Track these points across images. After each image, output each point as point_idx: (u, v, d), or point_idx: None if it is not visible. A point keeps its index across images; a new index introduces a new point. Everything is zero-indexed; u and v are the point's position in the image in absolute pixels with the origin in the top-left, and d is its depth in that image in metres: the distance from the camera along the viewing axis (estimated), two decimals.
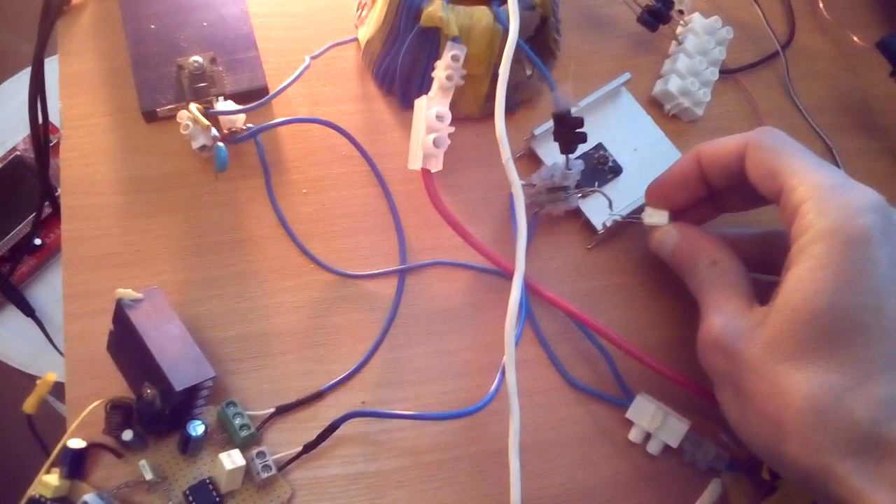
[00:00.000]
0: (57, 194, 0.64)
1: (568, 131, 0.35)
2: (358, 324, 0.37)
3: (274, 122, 0.38)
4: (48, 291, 0.66)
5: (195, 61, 0.38)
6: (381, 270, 0.38)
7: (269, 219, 0.38)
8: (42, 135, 0.45)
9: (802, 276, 0.29)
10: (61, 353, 0.62)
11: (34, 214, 0.64)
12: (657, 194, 0.36)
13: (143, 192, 0.38)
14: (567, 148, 0.36)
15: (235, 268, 0.37)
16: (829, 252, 0.28)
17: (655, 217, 0.36)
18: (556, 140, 0.36)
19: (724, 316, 0.31)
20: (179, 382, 0.31)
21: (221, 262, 0.37)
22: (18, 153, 0.68)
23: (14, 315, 0.65)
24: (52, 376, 0.32)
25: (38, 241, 0.66)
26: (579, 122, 0.35)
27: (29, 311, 0.64)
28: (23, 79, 0.72)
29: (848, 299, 0.28)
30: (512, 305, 0.32)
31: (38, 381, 0.32)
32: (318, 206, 0.38)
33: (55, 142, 0.68)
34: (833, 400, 0.27)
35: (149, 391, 0.32)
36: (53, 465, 0.32)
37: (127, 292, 0.32)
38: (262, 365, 0.35)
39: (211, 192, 0.38)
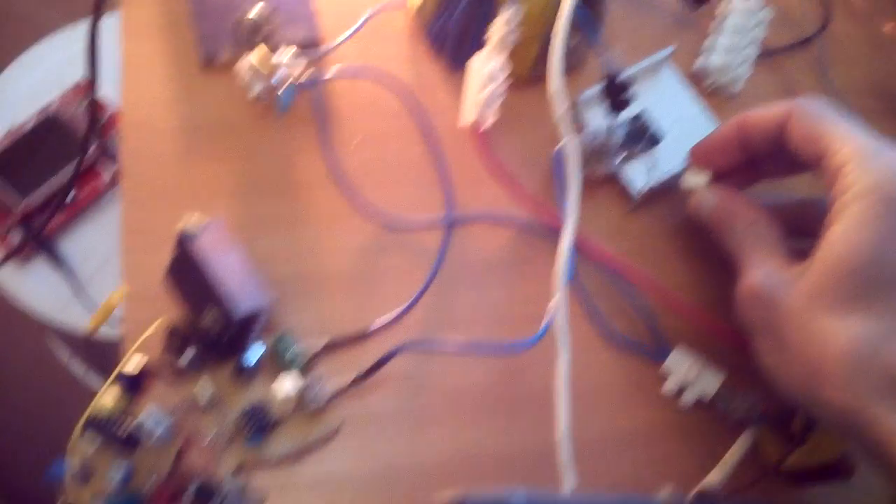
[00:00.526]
0: (90, 152, 0.66)
1: (615, 94, 0.37)
2: (404, 271, 0.38)
3: (332, 72, 0.39)
4: (76, 246, 0.67)
5: (255, 12, 0.39)
6: (427, 221, 0.39)
7: (321, 167, 0.39)
8: (93, 88, 0.46)
9: (845, 231, 0.30)
10: (87, 305, 0.64)
11: (72, 167, 0.66)
12: (699, 157, 0.37)
13: (199, 137, 0.39)
14: (613, 110, 0.37)
15: (287, 212, 0.38)
16: (871, 208, 0.30)
17: (695, 179, 0.37)
18: (603, 102, 0.37)
19: (764, 270, 0.33)
20: (239, 308, 0.32)
21: (274, 206, 0.38)
22: (52, 111, 0.69)
23: (41, 267, 0.66)
24: (117, 296, 0.33)
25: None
26: (626, 85, 0.37)
27: (59, 262, 0.65)
28: (52, 43, 0.73)
29: (889, 253, 0.29)
30: (565, 239, 0.34)
31: (103, 302, 0.33)
32: (368, 158, 0.40)
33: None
34: (871, 347, 0.29)
35: (209, 316, 0.33)
36: (111, 386, 0.33)
37: (192, 221, 0.33)
38: (312, 304, 0.37)
39: (265, 140, 0.39)
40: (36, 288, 0.66)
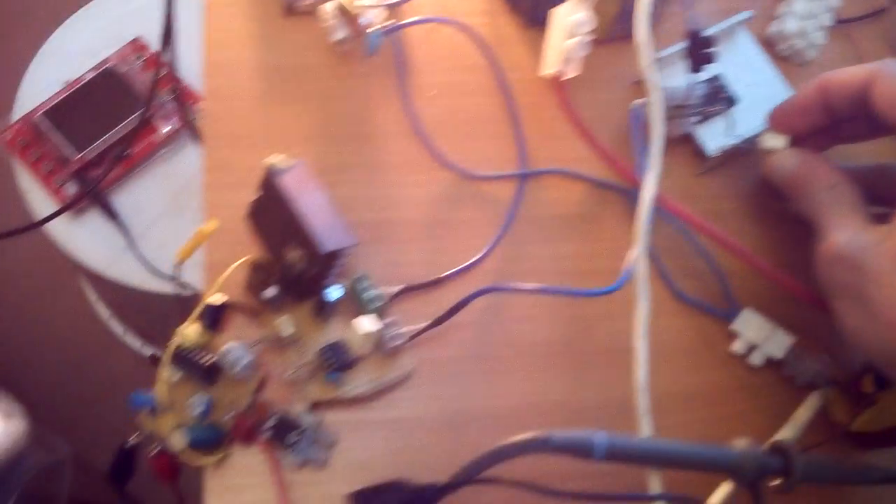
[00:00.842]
0: (151, 105, 0.66)
1: (698, 50, 0.37)
2: (477, 221, 0.38)
3: (413, 19, 0.39)
4: (129, 201, 0.68)
5: None
6: (501, 174, 0.39)
7: (398, 116, 0.39)
8: (167, 36, 0.46)
9: None
10: (140, 259, 0.64)
11: (127, 122, 0.67)
12: (779, 118, 0.37)
13: (280, 80, 0.39)
14: (696, 67, 0.37)
15: (364, 158, 0.38)
16: None
17: (774, 141, 0.37)
18: (684, 59, 0.37)
19: (847, 232, 0.33)
20: (325, 245, 0.33)
21: (351, 152, 0.38)
22: (109, 66, 0.70)
23: (94, 220, 0.67)
24: (211, 226, 0.34)
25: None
26: (710, 41, 0.37)
27: (112, 216, 0.65)
28: None
29: None
30: (648, 188, 0.34)
31: (197, 230, 0.34)
32: (444, 109, 0.40)
33: (147, 58, 0.70)
34: None
35: (293, 253, 0.33)
36: (193, 320, 0.34)
37: (278, 159, 0.34)
38: (385, 251, 0.37)
39: (344, 86, 0.40)
40: (88, 241, 0.67)
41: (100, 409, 0.96)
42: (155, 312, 0.75)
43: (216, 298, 0.34)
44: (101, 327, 0.92)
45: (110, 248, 0.66)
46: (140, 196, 0.68)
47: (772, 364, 0.37)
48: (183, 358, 0.33)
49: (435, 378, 0.35)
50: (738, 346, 0.37)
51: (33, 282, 1.01)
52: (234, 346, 0.33)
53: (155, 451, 0.34)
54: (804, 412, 0.35)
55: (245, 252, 0.35)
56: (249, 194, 0.35)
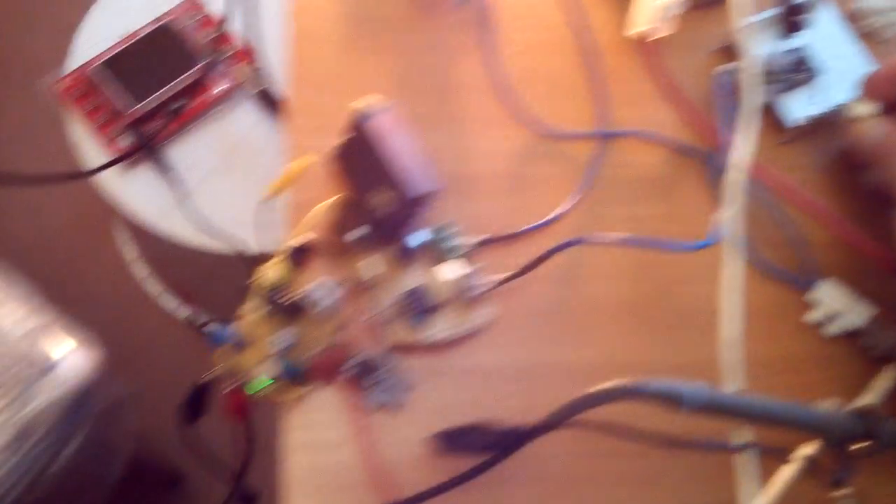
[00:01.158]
0: (203, 63, 0.66)
1: (791, 17, 0.36)
2: (555, 179, 0.38)
3: None
4: (181, 156, 0.68)
5: None
6: (582, 133, 0.39)
7: (480, 71, 0.39)
8: None
9: None
10: (189, 215, 0.65)
11: (182, 78, 0.67)
12: (873, 85, 0.37)
13: (366, 28, 0.39)
14: (788, 33, 0.37)
15: (446, 110, 0.38)
16: None
17: (862, 109, 0.37)
18: (775, 25, 0.37)
19: None
20: (413, 189, 0.33)
21: (434, 104, 0.38)
22: (166, 22, 0.70)
23: (145, 173, 0.67)
24: (305, 161, 0.34)
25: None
26: (805, 6, 0.36)
27: (165, 170, 0.66)
28: None
29: None
30: (741, 146, 0.34)
31: (289, 166, 0.34)
32: (526, 67, 0.40)
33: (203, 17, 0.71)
34: None
35: (379, 196, 0.33)
36: (277, 258, 0.34)
37: (369, 101, 0.34)
38: (465, 203, 0.37)
39: (428, 39, 0.40)
40: (138, 194, 0.67)
41: (129, 372, 0.97)
42: (199, 271, 0.75)
43: (301, 238, 0.34)
44: (136, 287, 0.92)
45: (160, 202, 0.66)
46: (192, 153, 0.68)
47: (847, 336, 0.37)
48: (265, 295, 0.33)
49: (513, 329, 0.35)
50: (814, 316, 0.37)
51: (71, 236, 1.01)
52: (318, 286, 0.33)
53: (230, 388, 0.34)
54: (884, 381, 0.35)
55: (330, 194, 0.35)
56: (334, 138, 0.35)
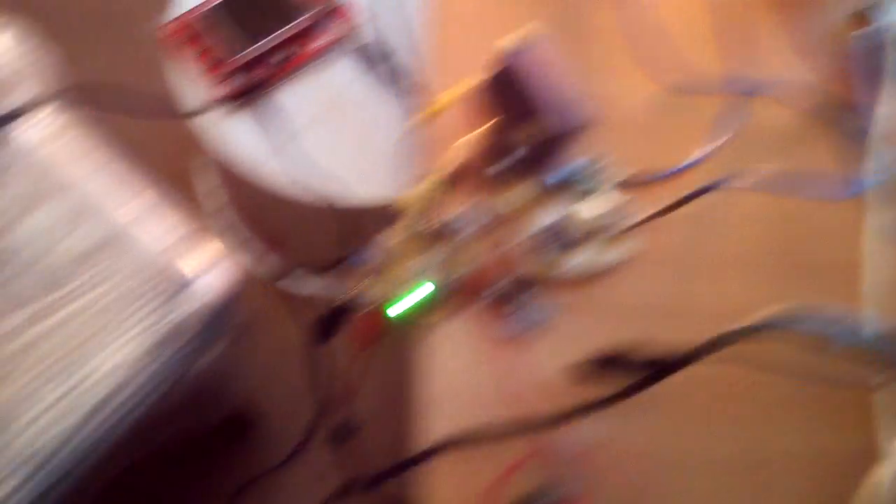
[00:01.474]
0: (309, 14, 0.68)
1: None
2: (689, 129, 0.39)
3: None
4: (285, 102, 0.69)
5: None
6: (717, 87, 0.39)
7: (616, 21, 0.40)
8: None
9: None
10: (285, 163, 0.66)
11: (290, 25, 0.68)
12: None
13: None
14: None
15: (584, 57, 0.39)
16: None
17: None
18: None
19: None
20: (560, 123, 0.33)
21: (571, 50, 0.39)
22: None
23: (244, 120, 0.69)
24: (462, 87, 0.35)
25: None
26: None
27: (269, 114, 0.67)
28: None
29: None
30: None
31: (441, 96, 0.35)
32: (660, 21, 0.40)
33: None
34: None
35: (524, 130, 0.34)
36: (421, 185, 0.35)
37: (520, 36, 0.34)
38: (610, 147, 0.38)
39: None
40: (237, 139, 0.69)
41: None
42: (286, 222, 0.77)
43: (448, 167, 0.35)
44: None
45: (257, 149, 0.68)
46: (297, 99, 0.70)
47: None
48: (412, 220, 0.34)
49: (654, 267, 0.36)
50: None
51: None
52: (462, 213, 0.34)
53: (367, 310, 0.35)
54: None
55: (473, 128, 0.36)
56: (476, 74, 0.36)
